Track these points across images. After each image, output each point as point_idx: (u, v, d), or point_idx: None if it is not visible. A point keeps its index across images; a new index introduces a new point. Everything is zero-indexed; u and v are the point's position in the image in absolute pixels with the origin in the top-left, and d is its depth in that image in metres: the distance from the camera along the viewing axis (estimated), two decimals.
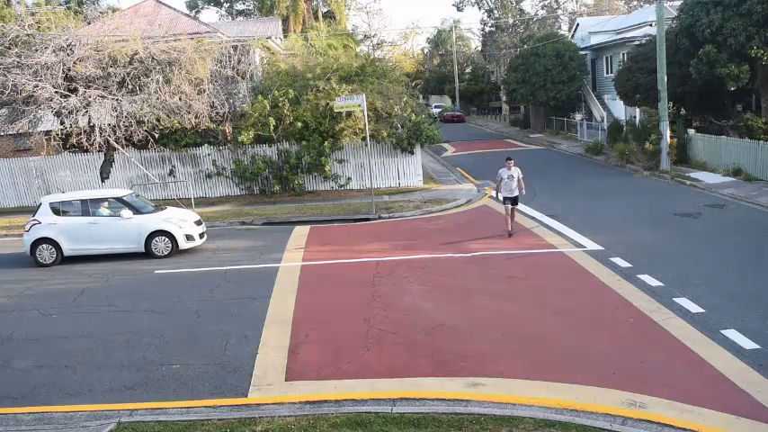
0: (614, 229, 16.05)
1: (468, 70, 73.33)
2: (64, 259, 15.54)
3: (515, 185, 15.41)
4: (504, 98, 56.50)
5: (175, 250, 15.68)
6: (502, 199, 15.60)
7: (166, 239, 15.64)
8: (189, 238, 15.88)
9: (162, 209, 16.62)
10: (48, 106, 20.38)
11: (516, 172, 15.40)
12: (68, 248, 15.51)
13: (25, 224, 16.03)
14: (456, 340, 9.42)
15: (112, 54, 20.76)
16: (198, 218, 16.69)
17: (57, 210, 15.70)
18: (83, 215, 15.67)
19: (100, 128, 20.51)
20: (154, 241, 15.57)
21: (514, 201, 15.62)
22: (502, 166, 15.98)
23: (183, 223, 15.91)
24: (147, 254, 15.55)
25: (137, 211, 15.82)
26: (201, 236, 16.30)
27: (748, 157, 21.58)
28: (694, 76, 23.64)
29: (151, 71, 20.85)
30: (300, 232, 17.86)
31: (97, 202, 15.93)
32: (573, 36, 46.73)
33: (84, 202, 15.85)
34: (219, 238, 17.55)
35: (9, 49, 20.22)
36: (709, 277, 11.71)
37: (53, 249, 15.46)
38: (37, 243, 15.44)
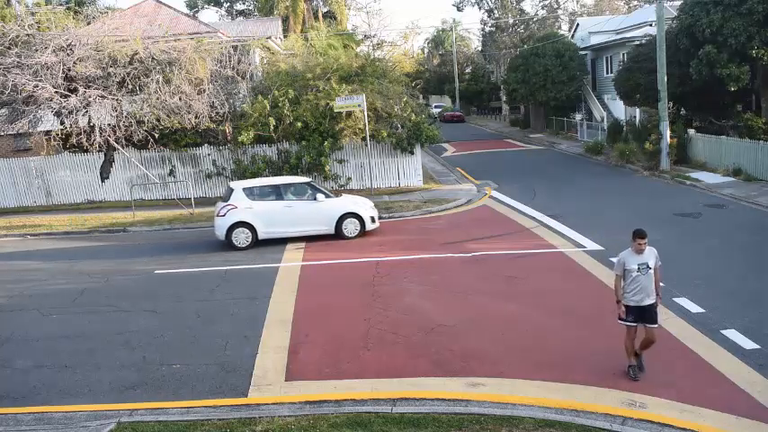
0: (614, 229, 16.01)
1: (468, 70, 73.33)
2: (257, 242, 15.93)
3: (651, 283, 7.98)
4: (504, 98, 56.48)
5: (362, 232, 16.35)
6: (623, 309, 8.04)
7: (356, 221, 16.32)
8: (373, 220, 16.64)
9: (340, 194, 17.69)
10: (48, 106, 20.39)
11: (652, 257, 8.03)
12: (263, 232, 15.98)
13: (219, 209, 16.15)
14: (456, 340, 9.42)
15: (112, 54, 20.78)
16: (372, 203, 17.36)
17: (251, 195, 16.17)
18: (277, 199, 16.22)
19: (100, 128, 20.53)
20: (345, 223, 16.25)
21: (650, 314, 8.00)
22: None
23: (366, 206, 16.70)
24: (337, 235, 16.22)
25: (326, 195, 16.54)
26: (379, 219, 17.10)
27: (748, 157, 21.58)
28: (694, 77, 23.63)
29: (151, 71, 20.86)
30: None
31: (288, 186, 16.60)
32: (573, 36, 46.71)
33: (276, 186, 16.52)
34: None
35: (9, 49, 20.23)
36: (709, 277, 11.71)
37: (248, 233, 15.91)
38: (233, 227, 15.81)
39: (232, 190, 16.36)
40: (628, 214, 17.90)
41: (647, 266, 7.96)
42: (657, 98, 24.58)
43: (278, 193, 16.34)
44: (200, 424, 7.30)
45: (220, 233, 15.97)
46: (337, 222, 16.19)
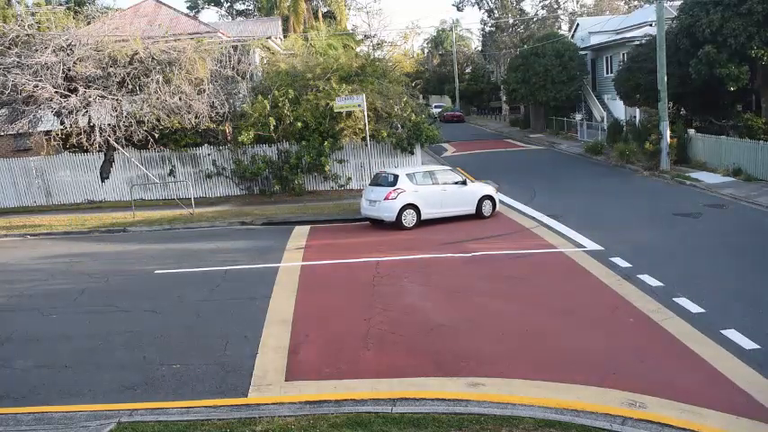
0: (614, 229, 16.04)
1: (468, 70, 73.36)
2: (420, 223, 17.34)
3: None
4: (504, 98, 56.48)
5: (494, 212, 18.29)
6: None
7: (490, 203, 18.23)
8: (499, 202, 18.90)
9: (471, 180, 19.54)
10: (48, 106, 20.38)
11: None
12: (425, 212, 17.48)
13: (386, 193, 17.22)
14: (456, 340, 9.42)
15: (112, 54, 20.78)
16: (495, 187, 19.96)
17: (414, 180, 17.62)
18: (434, 184, 17.77)
19: (100, 128, 20.52)
20: (483, 204, 18.09)
21: None
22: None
23: (494, 191, 18.96)
24: (477, 215, 17.99)
25: (470, 181, 18.73)
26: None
27: (748, 157, 21.58)
28: (694, 77, 23.64)
29: (151, 71, 20.85)
30: (300, 232, 17.87)
31: (439, 173, 18.42)
32: (573, 36, 46.72)
33: (431, 173, 18.29)
34: (219, 238, 17.56)
35: (9, 49, 20.23)
36: (709, 277, 11.71)
37: (414, 214, 17.34)
38: (403, 209, 17.19)
39: (396, 176, 17.60)
40: (628, 214, 17.92)
41: None
42: (657, 98, 24.59)
43: (434, 178, 17.94)
44: (200, 424, 7.30)
45: (390, 215, 17.19)
46: (477, 203, 17.95)
